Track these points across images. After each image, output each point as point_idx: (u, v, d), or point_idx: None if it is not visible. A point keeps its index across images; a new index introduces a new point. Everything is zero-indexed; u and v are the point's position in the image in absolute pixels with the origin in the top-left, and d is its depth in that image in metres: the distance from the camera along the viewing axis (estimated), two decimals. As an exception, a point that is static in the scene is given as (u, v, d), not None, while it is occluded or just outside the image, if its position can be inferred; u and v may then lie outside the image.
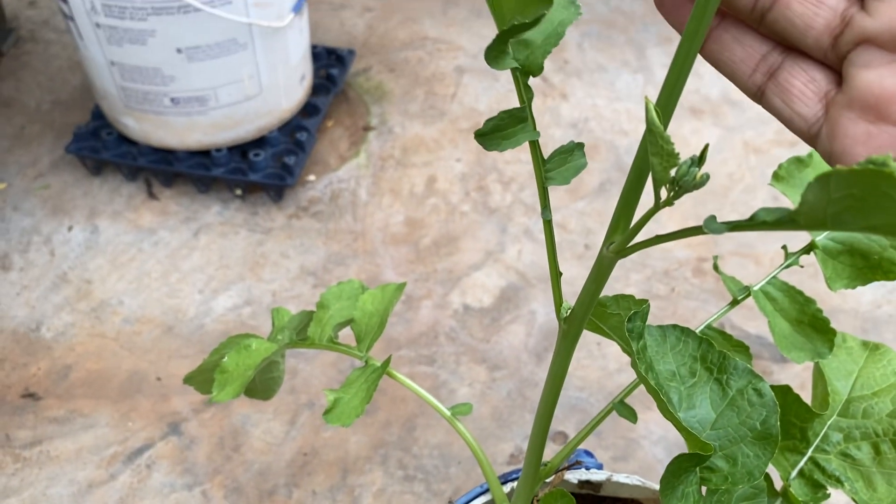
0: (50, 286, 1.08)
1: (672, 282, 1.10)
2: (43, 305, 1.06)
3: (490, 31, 1.51)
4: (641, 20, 1.53)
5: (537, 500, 0.49)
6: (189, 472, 0.90)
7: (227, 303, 1.06)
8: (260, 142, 1.19)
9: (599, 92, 1.39)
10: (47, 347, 1.01)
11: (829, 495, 0.43)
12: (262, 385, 0.66)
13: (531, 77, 0.29)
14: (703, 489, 0.38)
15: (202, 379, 0.60)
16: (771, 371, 1.00)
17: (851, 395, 0.47)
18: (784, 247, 0.46)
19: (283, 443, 0.92)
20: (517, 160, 1.26)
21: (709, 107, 1.35)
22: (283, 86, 1.16)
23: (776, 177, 0.48)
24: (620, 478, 0.51)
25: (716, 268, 0.46)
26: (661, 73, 1.42)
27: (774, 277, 0.45)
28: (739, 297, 0.45)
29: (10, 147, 1.27)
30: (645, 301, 0.38)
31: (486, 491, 0.52)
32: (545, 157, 0.31)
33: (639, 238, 0.29)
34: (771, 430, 0.38)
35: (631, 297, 0.40)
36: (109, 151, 1.18)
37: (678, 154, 0.24)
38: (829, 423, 0.46)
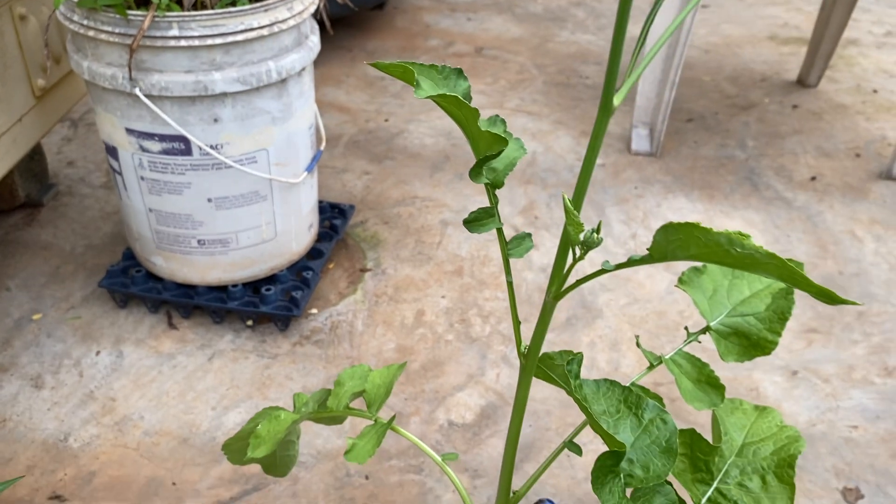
0: (78, 403, 1.20)
1: (632, 403, 1.25)
2: (71, 419, 1.18)
3: (470, 192, 1.73)
4: (601, 184, 1.77)
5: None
6: (199, 567, 0.99)
7: (237, 418, 1.19)
8: (271, 279, 1.36)
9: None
10: (74, 456, 1.12)
11: None
12: (280, 462, 0.80)
13: (497, 189, 0.46)
14: (628, 491, 0.52)
15: (237, 447, 0.73)
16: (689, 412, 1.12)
17: (745, 442, 0.61)
18: (686, 328, 0.63)
19: (285, 541, 1.02)
20: (495, 298, 1.44)
21: (661, 255, 1.55)
22: (294, 232, 1.35)
23: (681, 281, 0.65)
24: (575, 517, 0.64)
25: (638, 345, 0.62)
26: (618, 227, 1.63)
27: (680, 350, 0.62)
28: (655, 364, 0.61)
29: (47, 283, 1.43)
30: (580, 353, 0.54)
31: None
32: (507, 241, 0.48)
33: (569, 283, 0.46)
34: (672, 446, 0.53)
35: (570, 351, 0.55)
36: (137, 286, 1.34)
37: (583, 224, 0.41)
38: (728, 462, 0.60)
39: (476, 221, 0.47)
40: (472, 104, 0.44)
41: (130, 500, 1.07)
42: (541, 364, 0.56)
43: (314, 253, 1.45)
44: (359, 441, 0.62)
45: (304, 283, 1.37)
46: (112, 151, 1.22)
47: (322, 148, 1.37)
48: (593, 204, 1.71)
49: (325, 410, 0.69)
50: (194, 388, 1.24)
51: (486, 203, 1.70)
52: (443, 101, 0.44)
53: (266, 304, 1.31)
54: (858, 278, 1.52)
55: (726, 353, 0.62)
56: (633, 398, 0.56)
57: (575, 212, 0.41)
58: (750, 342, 0.62)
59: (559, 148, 1.91)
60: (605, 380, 0.57)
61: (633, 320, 1.40)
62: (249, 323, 1.35)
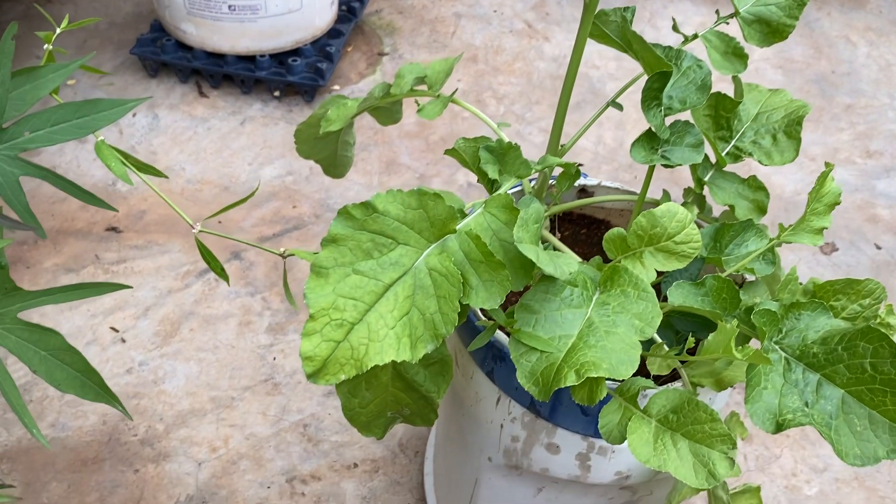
0: (121, 155, 1.28)
1: (635, 172, 1.35)
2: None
3: (482, -11, 1.77)
4: (610, -13, 1.81)
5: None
6: (251, 285, 1.11)
7: (273, 172, 1.28)
8: (296, 52, 1.42)
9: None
10: (123, 198, 1.21)
11: (743, 159, 0.68)
12: (339, 161, 0.89)
13: None
14: (667, 120, 0.62)
15: (306, 134, 0.82)
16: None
17: (759, 112, 0.71)
18: (717, 11, 0.71)
19: (326, 267, 1.14)
20: (508, 83, 1.51)
21: (665, 51, 1.62)
22: (318, 6, 1.39)
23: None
24: (607, 183, 0.75)
25: (675, 28, 0.71)
26: (626, 26, 1.69)
27: (711, 29, 0.70)
28: (690, 39, 0.69)
29: (75, 54, 1.47)
30: (633, 6, 0.63)
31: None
32: None
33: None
34: (707, 83, 0.62)
35: (626, 6, 0.64)
36: (168, 55, 1.39)
37: None
38: (746, 125, 0.70)
39: None
40: None
41: (180, 233, 1.17)
42: (596, 21, 0.64)
43: (334, 33, 1.49)
44: (428, 105, 0.71)
45: (327, 58, 1.42)
46: None
47: (345, -77, 1.39)
48: (603, 3, 1.75)
49: (391, 95, 0.77)
50: (229, 146, 1.32)
51: (497, 2, 1.73)
52: None
53: (293, 73, 1.38)
54: (849, 77, 1.61)
55: (750, 37, 0.71)
56: (672, 52, 0.65)
57: None
58: (770, 28, 0.71)
59: (568, -47, 1.93)
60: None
61: (638, 105, 1.49)
62: (276, 94, 1.41)
